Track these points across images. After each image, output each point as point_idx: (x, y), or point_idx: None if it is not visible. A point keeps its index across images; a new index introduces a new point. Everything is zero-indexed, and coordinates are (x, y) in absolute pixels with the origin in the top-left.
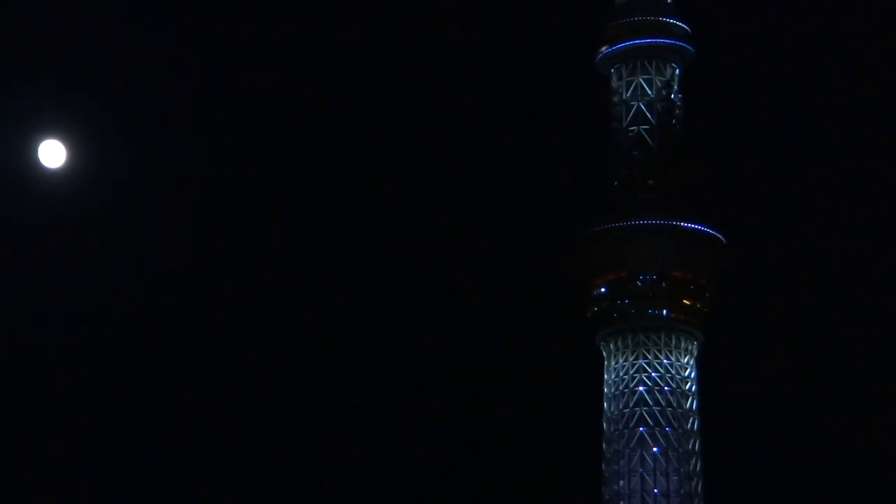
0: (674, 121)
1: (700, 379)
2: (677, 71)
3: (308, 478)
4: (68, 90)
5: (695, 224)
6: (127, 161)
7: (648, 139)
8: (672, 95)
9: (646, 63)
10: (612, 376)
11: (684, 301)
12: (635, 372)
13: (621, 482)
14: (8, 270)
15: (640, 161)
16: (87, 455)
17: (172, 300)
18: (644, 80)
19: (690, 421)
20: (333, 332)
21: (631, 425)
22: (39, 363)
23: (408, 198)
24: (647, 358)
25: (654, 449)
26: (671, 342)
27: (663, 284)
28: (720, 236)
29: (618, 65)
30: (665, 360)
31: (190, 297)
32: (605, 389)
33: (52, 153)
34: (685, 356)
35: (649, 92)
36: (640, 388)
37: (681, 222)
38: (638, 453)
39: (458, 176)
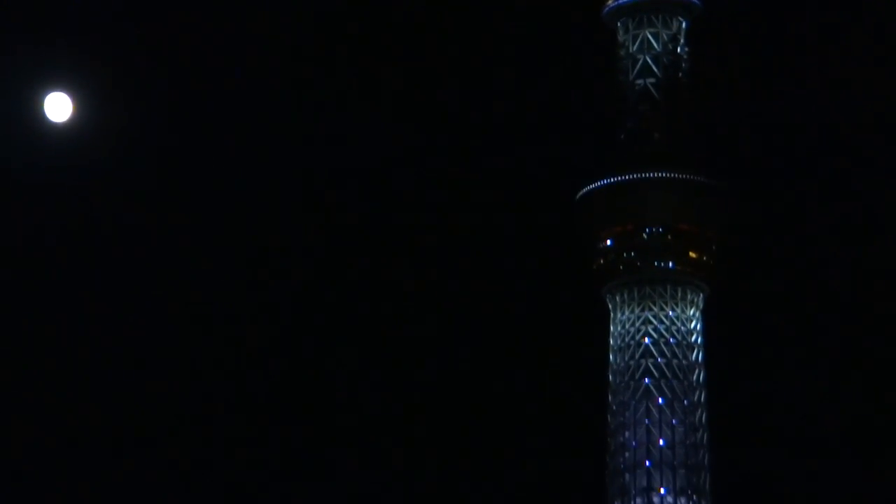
0: (680, 74)
1: (705, 331)
2: (684, 24)
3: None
4: (75, 41)
5: (701, 177)
6: (134, 115)
7: (655, 92)
8: (678, 49)
9: (652, 17)
10: (618, 329)
11: (690, 253)
12: (641, 324)
13: (627, 433)
14: (13, 226)
15: (647, 114)
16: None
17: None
18: (651, 33)
19: (696, 373)
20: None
21: (637, 377)
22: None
23: (412, 147)
24: (652, 310)
25: (660, 400)
26: (677, 294)
27: (669, 237)
28: (726, 189)
29: (624, 18)
30: (671, 313)
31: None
32: (611, 342)
33: (59, 106)
34: (691, 308)
35: (656, 45)
36: (646, 341)
37: (687, 175)
38: (643, 405)
39: (463, 127)
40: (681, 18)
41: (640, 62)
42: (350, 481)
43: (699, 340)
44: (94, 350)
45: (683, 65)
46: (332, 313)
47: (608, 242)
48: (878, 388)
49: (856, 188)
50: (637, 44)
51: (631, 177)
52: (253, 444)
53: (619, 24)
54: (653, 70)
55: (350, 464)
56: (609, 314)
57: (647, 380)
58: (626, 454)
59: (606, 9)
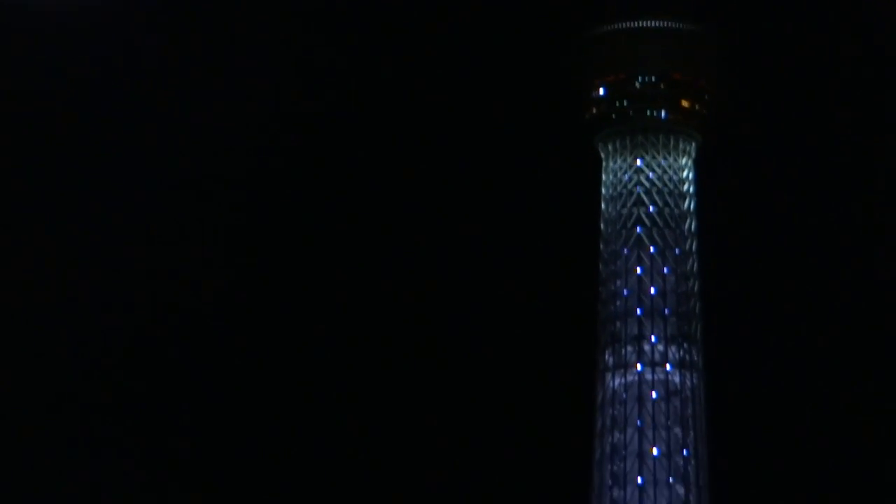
0: None
1: (698, 180)
2: None
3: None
4: None
5: (694, 26)
6: None
7: None
8: None
9: None
10: (611, 177)
11: (683, 103)
12: (633, 173)
13: (618, 282)
14: None
15: None
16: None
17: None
18: None
19: (687, 222)
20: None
21: (628, 226)
22: None
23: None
24: (644, 159)
25: (651, 249)
26: (669, 143)
27: (662, 86)
28: (720, 38)
29: None
30: (663, 161)
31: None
32: (603, 190)
33: None
34: (683, 157)
35: None
36: (638, 189)
37: (680, 24)
38: (635, 254)
39: None
40: None
41: None
42: None
43: (691, 189)
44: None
45: None
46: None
47: (601, 91)
48: (870, 238)
49: (853, 43)
50: None
51: (625, 25)
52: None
53: None
54: None
55: None
56: (601, 163)
57: (638, 228)
58: (618, 302)
59: None
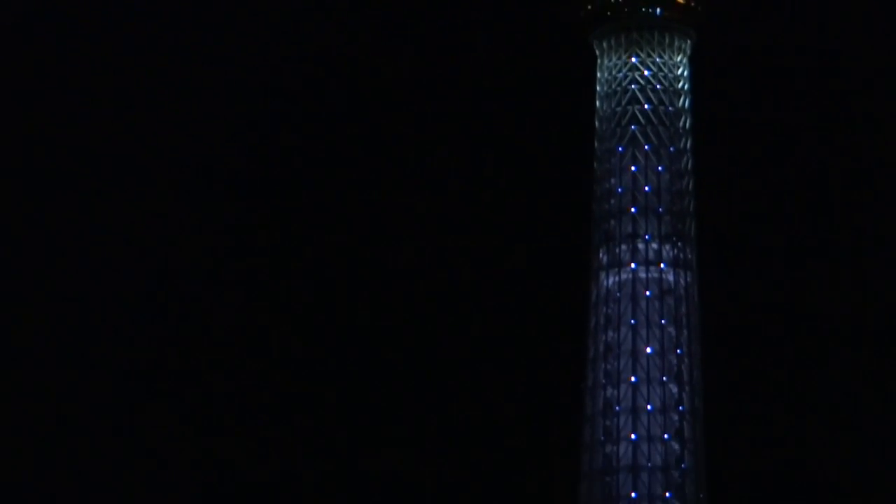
0: None
1: (693, 78)
2: None
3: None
4: None
5: None
6: None
7: None
8: None
9: None
10: (605, 75)
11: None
12: (628, 70)
13: (613, 180)
14: None
15: None
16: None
17: None
18: None
19: (682, 119)
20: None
21: (623, 123)
22: None
23: None
24: (640, 56)
25: (646, 147)
26: (664, 40)
27: None
28: None
29: None
30: (658, 59)
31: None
32: (598, 88)
33: None
34: (678, 55)
35: None
36: (633, 87)
37: None
38: (630, 151)
39: None
40: None
41: None
42: None
43: (686, 87)
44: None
45: None
46: None
47: None
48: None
49: None
50: None
51: None
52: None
53: None
54: None
55: None
56: (596, 60)
57: (633, 126)
58: (612, 200)
59: None
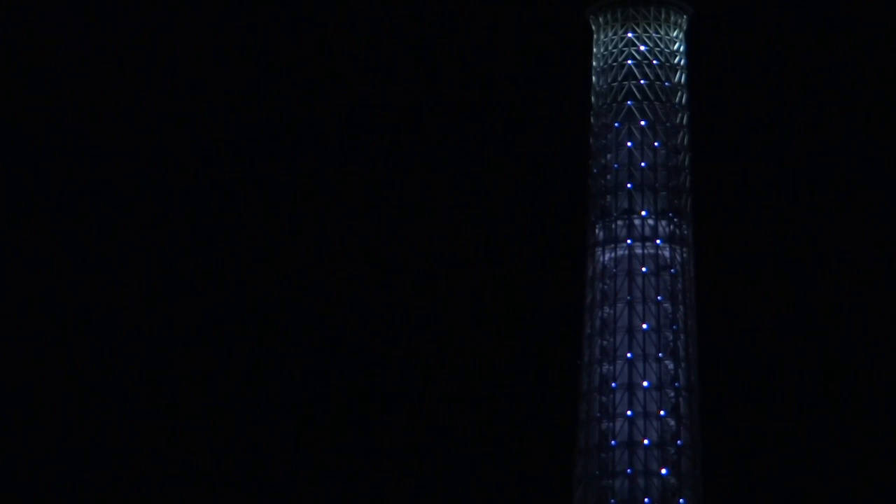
0: None
1: (689, 53)
2: None
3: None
4: None
5: None
6: None
7: None
8: None
9: None
10: (601, 50)
11: None
12: (624, 46)
13: (609, 156)
14: None
15: None
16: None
17: None
18: None
19: (678, 95)
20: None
21: (619, 99)
22: None
23: None
24: (636, 31)
25: (642, 122)
26: (660, 16)
27: None
28: None
29: None
30: (654, 34)
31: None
32: (594, 63)
33: None
34: (674, 30)
35: None
36: (629, 62)
37: None
38: (626, 127)
39: None
40: None
41: None
42: None
43: (682, 62)
44: None
45: None
46: None
47: None
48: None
49: None
50: None
51: None
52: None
53: None
54: None
55: None
56: (592, 35)
57: (629, 102)
58: (609, 176)
59: None
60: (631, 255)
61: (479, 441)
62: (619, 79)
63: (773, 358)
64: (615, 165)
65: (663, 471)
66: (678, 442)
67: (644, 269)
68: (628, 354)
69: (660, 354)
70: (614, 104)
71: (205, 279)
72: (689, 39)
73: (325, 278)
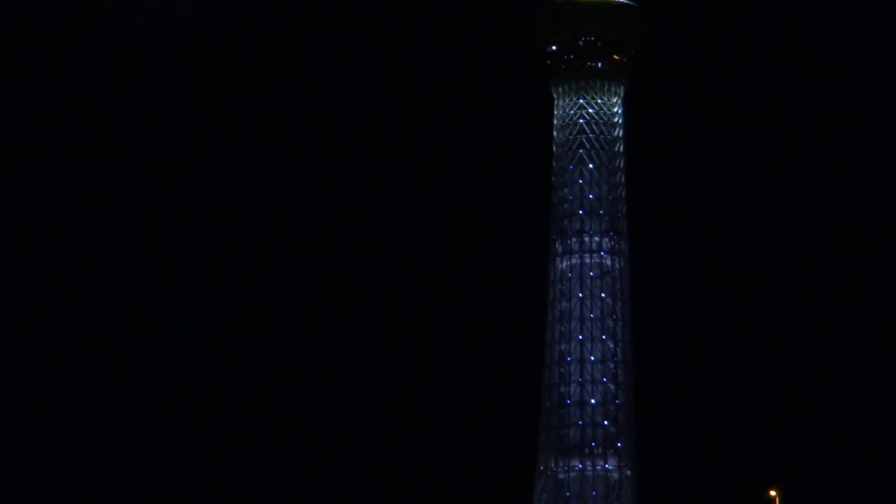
0: None
1: (625, 114)
2: None
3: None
4: None
5: (625, 0)
6: None
7: None
8: None
9: None
10: (560, 112)
11: (614, 56)
12: (577, 109)
13: (566, 190)
14: None
15: None
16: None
17: None
18: None
19: (617, 145)
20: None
21: (573, 148)
22: None
23: None
24: (586, 98)
25: (591, 165)
26: (604, 87)
27: (599, 44)
28: (644, 9)
29: None
30: (599, 100)
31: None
32: (555, 122)
33: None
34: (614, 97)
35: None
36: (581, 121)
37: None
38: (578, 169)
39: None
40: None
41: None
42: None
43: (620, 121)
44: None
45: None
46: None
47: (554, 47)
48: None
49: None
50: None
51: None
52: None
53: None
54: None
55: None
56: (554, 101)
57: (581, 150)
58: (565, 205)
59: None
60: (582, 264)
61: (459, 404)
62: (574, 133)
63: (689, 338)
64: (570, 197)
65: (605, 422)
66: (616, 401)
67: (591, 274)
68: (580, 336)
69: (603, 336)
70: (570, 152)
71: (197, 278)
72: (626, 103)
73: (309, 284)
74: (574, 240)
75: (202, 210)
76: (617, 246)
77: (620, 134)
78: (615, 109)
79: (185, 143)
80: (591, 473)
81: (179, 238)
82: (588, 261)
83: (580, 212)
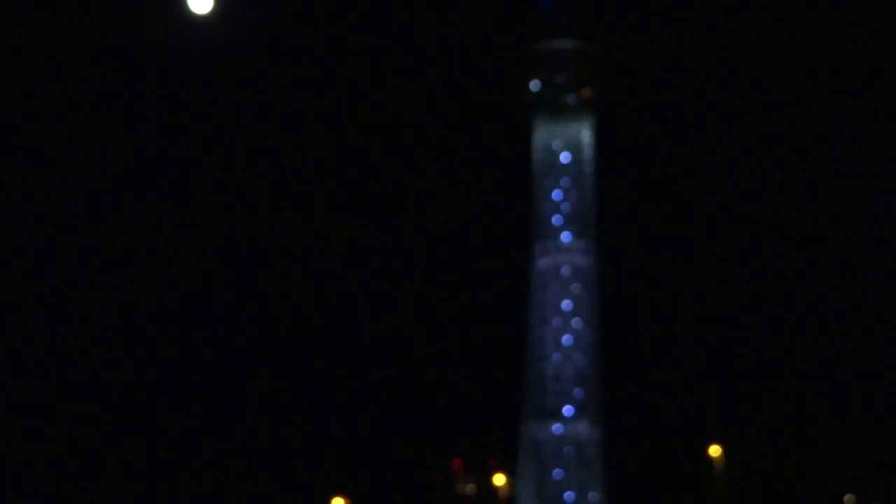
0: None
1: (595, 140)
2: None
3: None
4: None
5: (592, 44)
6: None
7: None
8: None
9: None
10: (539, 143)
11: (584, 93)
12: (553, 138)
13: (544, 202)
14: (151, 118)
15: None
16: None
17: None
18: None
19: (587, 165)
20: None
21: (550, 167)
22: None
23: None
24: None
25: (564, 180)
26: (577, 118)
27: (571, 82)
28: (610, 52)
29: None
30: (572, 131)
31: None
32: (534, 145)
33: None
34: (585, 127)
35: None
36: (554, 147)
37: (584, 43)
38: (555, 182)
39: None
40: None
41: None
42: None
43: (591, 143)
44: None
45: None
46: None
47: (532, 86)
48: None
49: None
50: None
51: (547, 46)
52: None
53: None
54: None
55: None
56: (532, 132)
57: (555, 169)
58: (544, 213)
59: None
60: (557, 262)
61: (453, 372)
62: (549, 156)
63: (651, 321)
64: (547, 207)
65: (577, 392)
66: (587, 375)
67: (565, 271)
68: (556, 320)
69: (575, 319)
70: (546, 170)
71: (196, 277)
72: (596, 132)
73: (300, 277)
74: (551, 242)
75: (202, 210)
76: (587, 247)
77: (592, 156)
78: (587, 137)
79: (185, 143)
80: (565, 436)
81: (180, 237)
82: (562, 259)
83: (555, 219)
